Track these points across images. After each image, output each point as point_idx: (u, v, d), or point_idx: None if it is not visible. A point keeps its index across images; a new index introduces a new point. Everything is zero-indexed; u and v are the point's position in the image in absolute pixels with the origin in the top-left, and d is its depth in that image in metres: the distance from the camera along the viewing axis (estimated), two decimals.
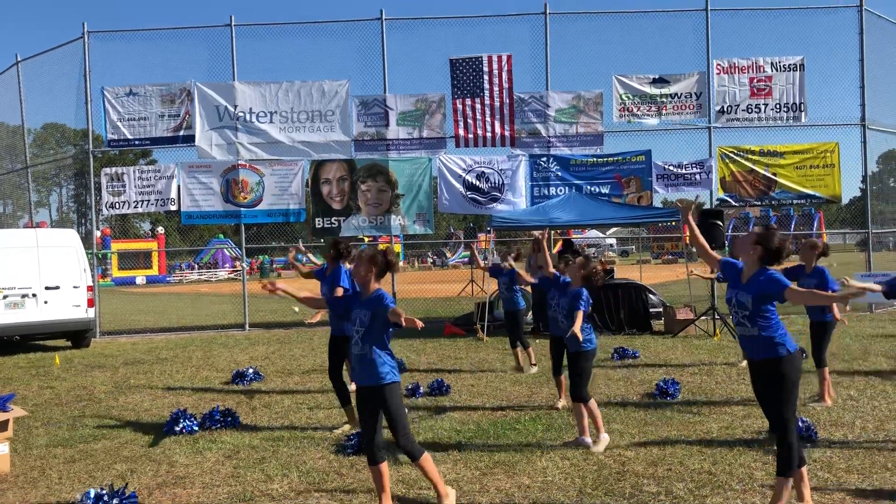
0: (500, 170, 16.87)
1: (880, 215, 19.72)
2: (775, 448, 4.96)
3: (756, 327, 4.94)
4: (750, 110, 16.94)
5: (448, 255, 59.84)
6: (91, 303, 14.81)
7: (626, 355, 11.55)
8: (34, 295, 14.03)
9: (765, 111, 16.94)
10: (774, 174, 16.95)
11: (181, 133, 16.89)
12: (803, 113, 16.94)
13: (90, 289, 14.88)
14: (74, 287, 14.50)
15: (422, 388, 9.21)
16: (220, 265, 51.02)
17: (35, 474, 6.41)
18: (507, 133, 16.86)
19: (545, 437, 7.05)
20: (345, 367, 7.95)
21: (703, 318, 14.18)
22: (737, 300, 5.00)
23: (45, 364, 12.81)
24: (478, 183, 16.87)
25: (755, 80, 16.94)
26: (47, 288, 14.18)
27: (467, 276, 25.84)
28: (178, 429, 7.51)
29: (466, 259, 51.94)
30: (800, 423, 6.76)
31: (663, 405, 8.23)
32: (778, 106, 16.93)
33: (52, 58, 18.03)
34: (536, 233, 18.73)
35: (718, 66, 16.93)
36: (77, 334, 14.77)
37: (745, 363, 10.52)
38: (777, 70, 16.91)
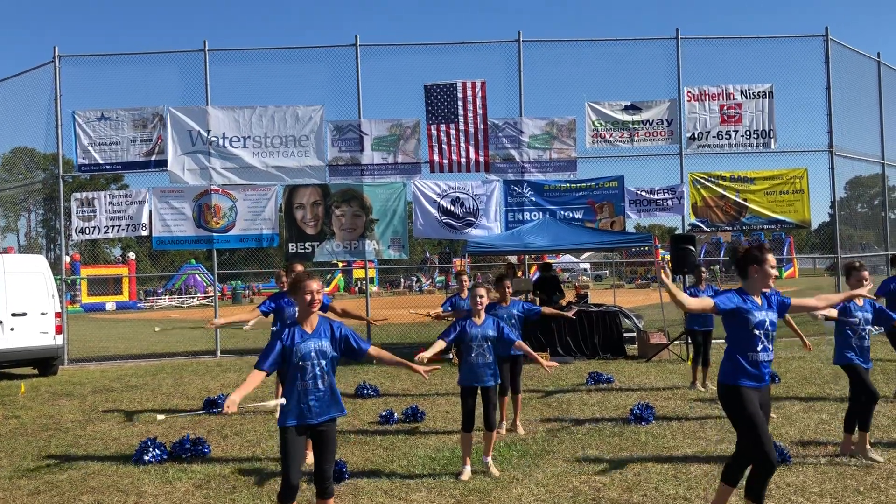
0: (475, 195, 16.92)
1: (849, 240, 20.02)
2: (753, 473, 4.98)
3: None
4: (720, 137, 17.19)
5: (423, 279, 59.79)
6: (59, 329, 14.55)
7: (600, 380, 11.55)
8: (0, 322, 13.75)
9: (735, 138, 17.20)
10: (745, 200, 17.18)
11: (153, 158, 16.75)
12: (773, 139, 17.22)
13: (58, 315, 14.63)
14: (42, 313, 14.25)
15: (396, 414, 9.13)
16: (192, 291, 50.48)
17: None
18: (481, 158, 16.94)
19: (520, 463, 7.00)
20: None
21: (676, 342, 14.24)
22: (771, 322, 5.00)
23: (11, 392, 12.52)
24: (452, 208, 16.90)
25: (725, 108, 17.21)
26: (14, 314, 13.91)
27: (442, 301, 25.73)
28: (147, 458, 7.36)
29: (441, 284, 51.90)
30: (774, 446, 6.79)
31: (638, 430, 8.22)
32: (748, 132, 17.20)
33: (22, 82, 17.86)
34: (512, 258, 18.82)
35: (689, 94, 17.18)
36: (44, 362, 14.48)
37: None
38: (746, 97, 17.20)
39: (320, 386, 4.78)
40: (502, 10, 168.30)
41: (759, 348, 4.87)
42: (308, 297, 4.81)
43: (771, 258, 4.99)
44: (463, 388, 6.72)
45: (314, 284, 4.85)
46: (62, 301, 15.76)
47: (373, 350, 5.07)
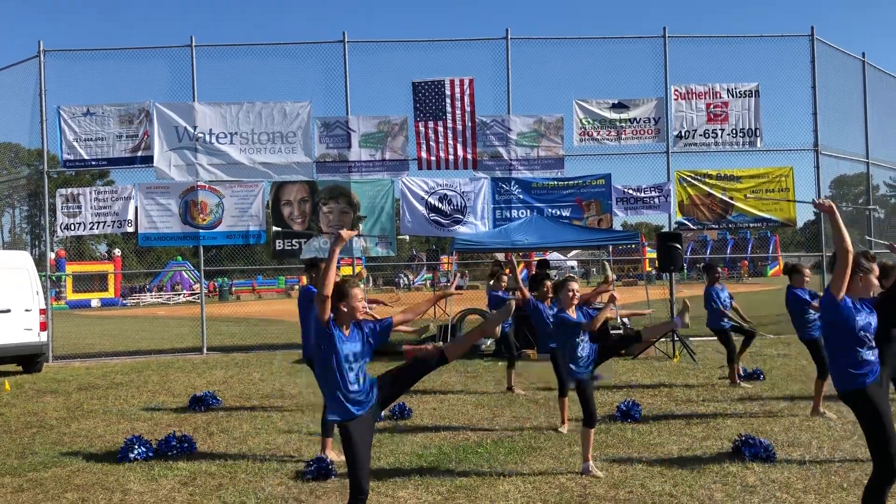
0: (463, 192, 16.92)
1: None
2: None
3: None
4: (707, 135, 17.25)
5: (411, 276, 59.74)
6: (43, 326, 14.43)
7: None
8: None
9: (721, 136, 17.27)
10: (731, 198, 17.26)
11: (139, 154, 16.65)
12: (759, 138, 17.30)
13: (43, 312, 14.51)
14: (26, 310, 14.12)
15: (383, 411, 9.10)
16: (177, 288, 50.23)
17: None
18: (469, 156, 16.94)
19: (507, 460, 7.02)
20: None
21: (662, 339, 14.30)
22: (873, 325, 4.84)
23: None
24: (440, 205, 16.89)
25: (712, 106, 17.27)
26: None
27: (430, 298, 25.72)
28: (132, 455, 7.32)
29: (429, 281, 51.88)
30: (758, 444, 6.83)
31: (624, 427, 8.25)
32: (734, 131, 17.27)
33: (6, 76, 17.68)
34: (500, 255, 18.83)
35: (676, 92, 17.24)
36: (28, 359, 14.35)
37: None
38: (733, 96, 17.27)
39: (361, 383, 4.91)
40: (490, 7, 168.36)
41: (870, 347, 4.74)
42: (359, 305, 4.83)
43: (876, 268, 4.87)
44: (581, 381, 6.65)
45: (360, 293, 4.90)
46: (47, 298, 15.64)
47: (396, 318, 5.27)
